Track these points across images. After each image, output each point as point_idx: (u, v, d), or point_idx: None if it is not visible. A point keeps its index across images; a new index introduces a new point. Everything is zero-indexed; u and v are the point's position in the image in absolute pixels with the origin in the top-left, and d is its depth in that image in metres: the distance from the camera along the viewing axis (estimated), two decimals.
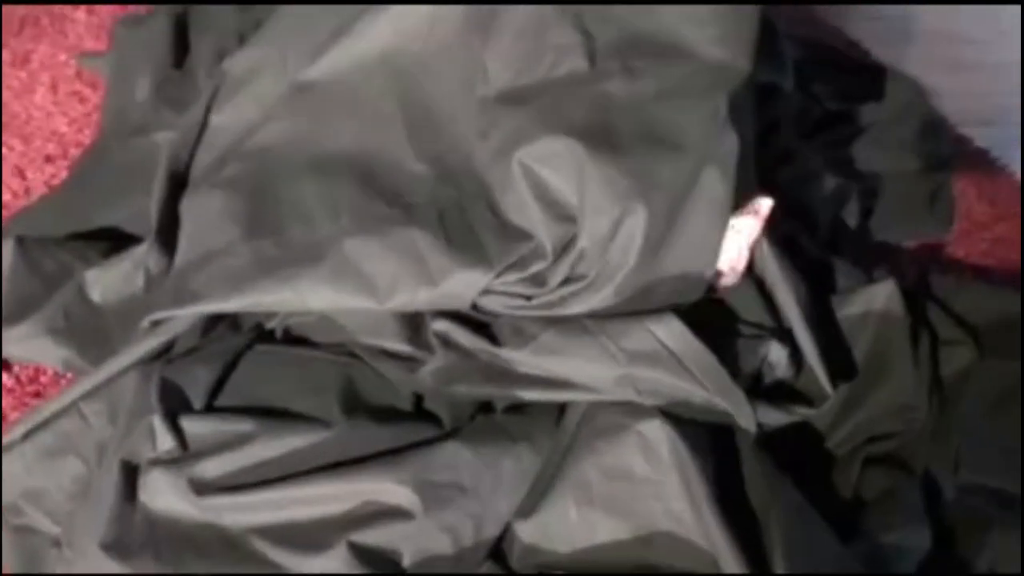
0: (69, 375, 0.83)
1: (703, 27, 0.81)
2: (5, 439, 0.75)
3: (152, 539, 0.67)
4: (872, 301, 0.82)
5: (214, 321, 0.80)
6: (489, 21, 0.86)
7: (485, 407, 0.76)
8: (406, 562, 0.68)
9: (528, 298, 0.75)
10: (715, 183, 0.73)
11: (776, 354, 0.76)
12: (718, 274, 0.77)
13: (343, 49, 0.90)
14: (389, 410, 0.75)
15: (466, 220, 0.79)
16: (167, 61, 1.07)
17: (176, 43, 1.09)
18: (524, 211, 0.76)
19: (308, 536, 0.68)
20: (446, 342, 0.76)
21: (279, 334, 0.80)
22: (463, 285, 0.74)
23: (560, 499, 0.70)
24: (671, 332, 0.73)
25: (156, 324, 0.78)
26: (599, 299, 0.73)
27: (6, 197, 1.00)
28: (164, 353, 0.78)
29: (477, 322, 0.77)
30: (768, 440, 0.75)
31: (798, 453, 0.78)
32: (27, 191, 1.01)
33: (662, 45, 0.81)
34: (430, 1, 0.88)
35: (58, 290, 0.84)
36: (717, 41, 0.81)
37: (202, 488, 0.68)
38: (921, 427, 0.79)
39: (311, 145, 0.88)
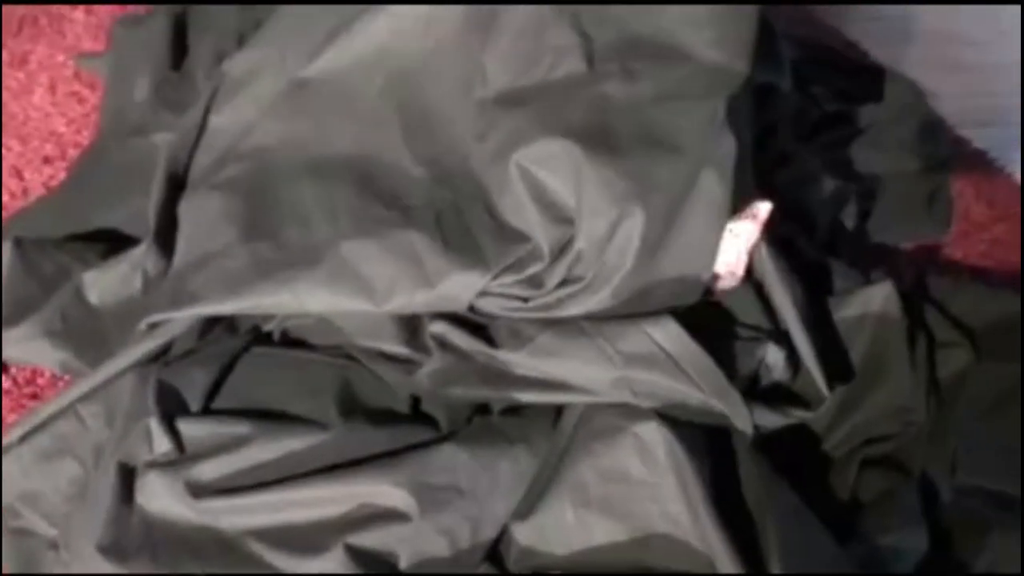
0: (66, 377, 0.83)
1: (701, 29, 0.81)
2: (3, 441, 0.75)
3: (149, 541, 0.68)
4: (869, 303, 0.82)
5: (211, 323, 0.80)
6: (488, 22, 0.85)
7: (482, 409, 0.76)
8: (403, 564, 0.68)
9: (525, 300, 0.75)
10: (713, 186, 0.73)
11: (773, 356, 0.76)
12: (715, 277, 0.77)
13: (341, 48, 0.90)
14: (386, 412, 0.75)
15: (463, 222, 0.79)
16: (166, 62, 1.07)
17: (175, 44, 1.09)
18: (521, 213, 0.76)
19: (305, 538, 0.68)
20: (443, 344, 0.76)
21: (276, 336, 0.80)
22: (460, 287, 0.75)
23: (557, 501, 0.70)
24: (668, 334, 0.73)
25: (153, 326, 0.78)
26: (596, 301, 0.73)
27: (4, 198, 1.00)
28: (161, 355, 0.78)
29: (474, 324, 0.77)
30: (765, 442, 0.75)
31: (795, 455, 0.78)
32: (25, 192, 1.01)
33: (661, 47, 0.81)
34: (429, 1, 0.88)
35: (56, 292, 0.84)
36: (715, 43, 0.81)
37: (199, 491, 0.68)
38: (918, 429, 0.79)
39: (308, 146, 0.88)
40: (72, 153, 1.05)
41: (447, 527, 0.68)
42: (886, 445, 0.79)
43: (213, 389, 0.75)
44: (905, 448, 0.79)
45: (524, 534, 0.70)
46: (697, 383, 0.72)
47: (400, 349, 0.77)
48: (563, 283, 0.74)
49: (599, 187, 0.73)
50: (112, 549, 0.67)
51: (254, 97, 0.92)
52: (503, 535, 0.70)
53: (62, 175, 1.02)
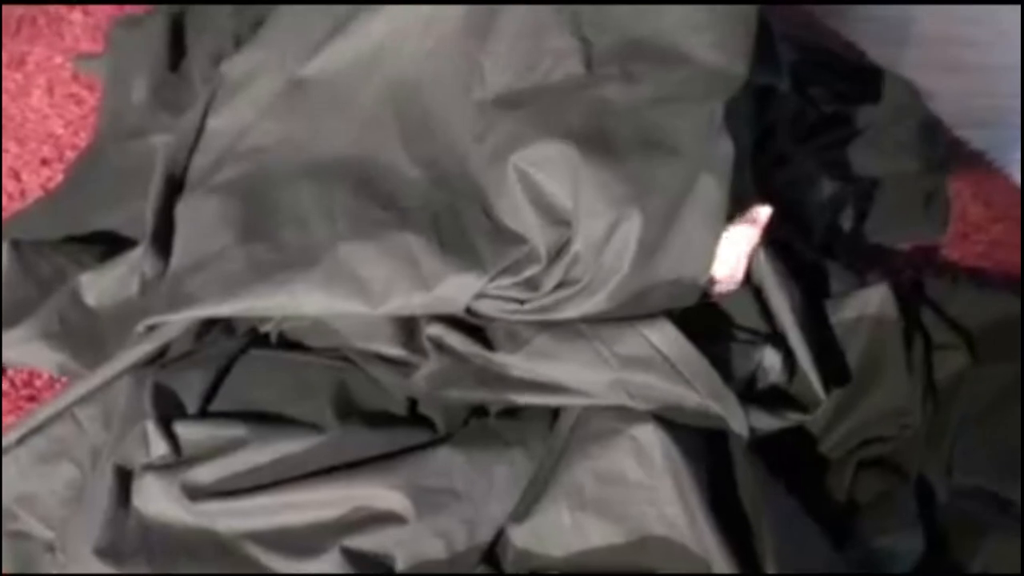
0: (64, 379, 0.83)
1: (700, 32, 0.81)
2: (1, 444, 0.75)
3: (146, 544, 0.68)
4: (866, 305, 0.82)
5: (208, 325, 0.80)
6: (487, 24, 0.85)
7: (479, 411, 0.76)
8: (399, 567, 0.68)
9: (521, 302, 0.75)
10: (711, 189, 0.73)
11: (770, 359, 0.76)
12: (714, 281, 0.77)
13: (338, 48, 0.90)
14: (383, 415, 0.75)
15: (460, 224, 0.79)
16: (164, 63, 1.07)
17: (173, 45, 1.09)
18: (518, 215, 0.76)
19: (301, 541, 0.68)
20: (440, 346, 0.76)
21: (273, 338, 0.80)
22: (457, 289, 0.75)
23: (553, 503, 0.70)
24: (664, 337, 0.73)
25: (151, 328, 0.78)
26: (593, 304, 0.73)
27: (2, 200, 1.00)
28: (158, 357, 0.78)
29: (471, 326, 0.77)
30: (761, 443, 0.75)
31: (792, 457, 0.78)
32: (22, 194, 1.01)
33: (660, 50, 0.81)
34: (427, 1, 0.88)
35: (53, 294, 0.84)
36: (714, 46, 0.81)
37: (195, 493, 0.69)
38: (915, 431, 0.80)
39: (305, 146, 0.88)
40: (70, 155, 1.05)
41: (443, 529, 0.68)
42: (883, 447, 0.79)
43: (210, 391, 0.75)
44: (901, 450, 0.79)
45: (520, 536, 0.70)
46: (693, 386, 0.72)
47: (397, 351, 0.77)
48: (560, 285, 0.74)
49: (596, 190, 0.73)
50: (109, 552, 0.67)
51: (252, 99, 0.92)
52: (500, 537, 0.70)
53: (60, 177, 1.02)
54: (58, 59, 1.17)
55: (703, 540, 0.67)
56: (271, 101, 0.91)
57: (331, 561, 0.67)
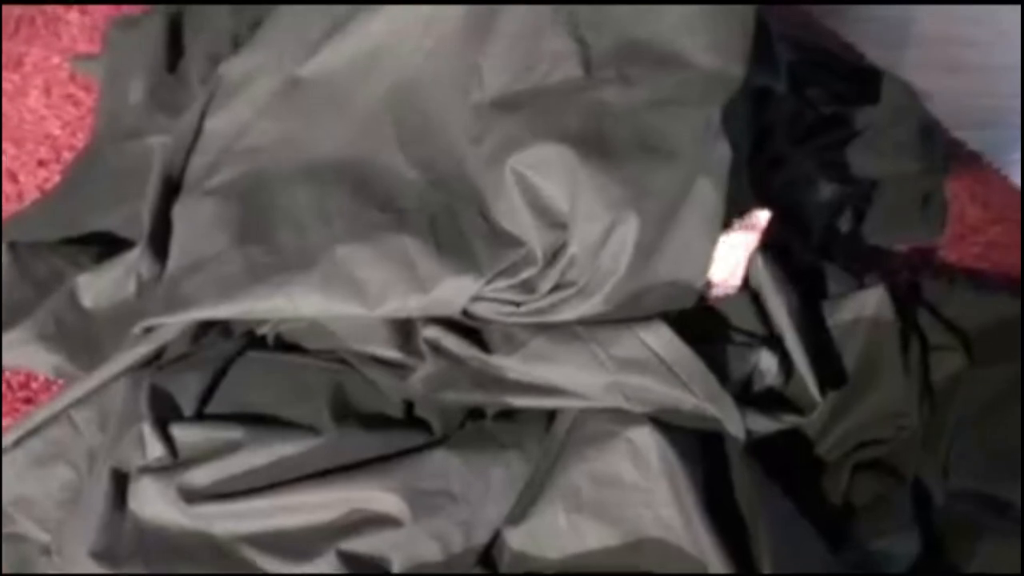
0: (60, 381, 0.83)
1: (697, 34, 0.81)
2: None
3: (142, 547, 0.68)
4: (863, 307, 0.82)
5: (205, 327, 0.80)
6: (485, 25, 0.85)
7: (476, 413, 0.76)
8: (395, 569, 0.68)
9: (518, 304, 0.75)
10: (707, 193, 0.73)
11: (766, 362, 0.76)
12: (712, 285, 0.77)
13: (336, 48, 0.90)
14: (379, 417, 0.75)
15: (457, 225, 0.79)
16: (161, 64, 1.07)
17: (170, 45, 1.08)
18: (515, 217, 0.76)
19: (297, 544, 0.68)
20: (436, 349, 0.76)
21: (270, 340, 0.80)
22: (453, 292, 0.75)
23: (550, 506, 0.70)
24: (660, 339, 0.73)
25: (147, 330, 0.78)
26: (589, 306, 0.73)
27: None
28: (155, 359, 0.78)
29: (468, 328, 0.77)
30: (758, 445, 0.75)
31: (788, 459, 0.78)
32: (19, 195, 1.01)
33: (658, 52, 0.81)
34: (427, 1, 0.88)
35: (49, 296, 0.84)
36: (711, 48, 0.80)
37: (191, 496, 0.69)
38: (911, 433, 0.79)
39: (302, 146, 0.88)
40: (67, 156, 1.05)
41: (439, 532, 0.68)
42: (879, 449, 0.79)
43: (207, 393, 0.75)
44: (898, 452, 0.79)
45: (517, 539, 0.70)
46: (690, 388, 0.72)
47: (393, 353, 0.77)
48: (556, 288, 0.74)
49: (593, 192, 0.73)
50: (105, 554, 0.67)
51: (250, 100, 0.92)
52: (496, 540, 0.71)
53: (57, 178, 1.02)
54: (55, 60, 1.17)
55: (699, 542, 0.67)
56: (268, 101, 0.91)
57: (327, 564, 0.67)
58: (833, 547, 0.72)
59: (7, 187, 1.01)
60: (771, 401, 0.76)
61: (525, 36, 0.84)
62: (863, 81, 1.16)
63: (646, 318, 0.74)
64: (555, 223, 0.75)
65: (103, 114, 1.06)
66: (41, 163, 1.05)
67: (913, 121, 1.11)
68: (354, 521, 0.69)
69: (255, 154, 0.88)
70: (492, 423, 0.75)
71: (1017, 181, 1.15)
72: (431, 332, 0.76)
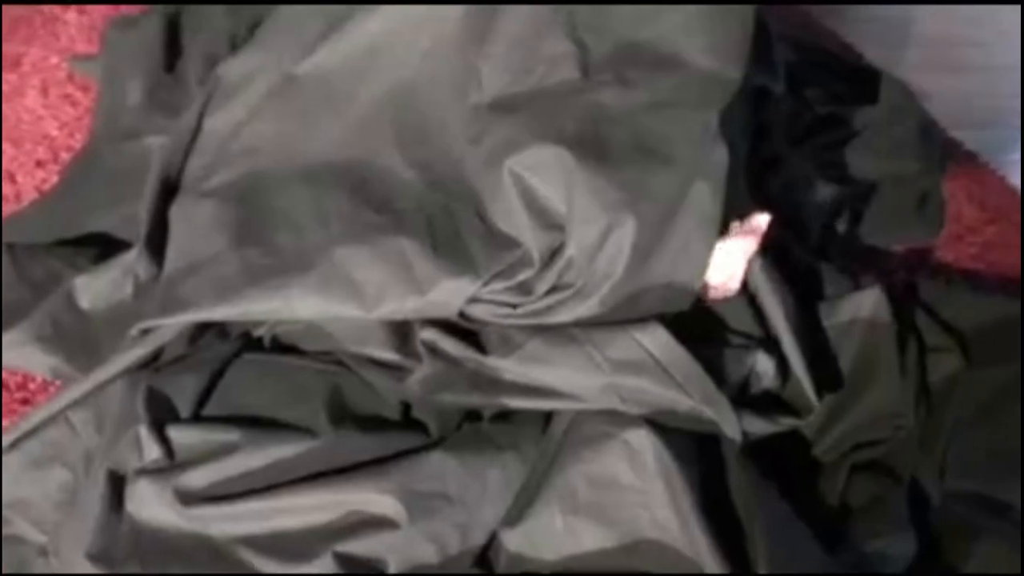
0: (58, 382, 0.83)
1: (695, 35, 0.81)
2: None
3: (138, 549, 0.68)
4: (859, 308, 0.82)
5: (202, 329, 0.80)
6: (484, 27, 0.85)
7: (472, 415, 0.76)
8: (392, 571, 0.68)
9: (514, 306, 0.75)
10: (704, 197, 0.73)
11: (763, 365, 0.76)
12: (707, 287, 0.77)
13: (333, 47, 0.90)
14: (376, 419, 0.75)
15: (454, 227, 0.79)
16: (159, 64, 1.07)
17: (168, 45, 1.08)
18: (512, 219, 0.76)
19: (294, 546, 0.68)
20: (433, 350, 0.76)
21: (267, 342, 0.80)
22: (450, 294, 0.75)
23: (546, 507, 0.70)
24: (656, 341, 0.73)
25: (144, 332, 0.78)
26: (585, 308, 0.73)
27: None
28: (152, 361, 0.78)
29: (464, 330, 0.77)
30: (754, 446, 0.75)
31: (785, 459, 0.78)
32: (17, 196, 1.01)
33: (656, 55, 0.81)
34: (424, 1, 0.88)
35: (47, 297, 0.84)
36: (708, 49, 0.80)
37: (188, 498, 0.69)
38: (908, 434, 0.80)
39: (298, 146, 0.87)
40: (64, 157, 1.05)
41: (436, 534, 0.69)
42: (876, 450, 0.80)
43: (203, 395, 0.75)
44: (895, 453, 0.79)
45: (513, 540, 0.70)
46: (686, 390, 0.72)
47: (390, 355, 0.77)
48: (553, 290, 0.74)
49: (591, 195, 0.73)
50: (101, 556, 0.67)
51: (248, 101, 0.91)
52: (492, 541, 0.71)
53: (54, 179, 1.02)
54: (53, 60, 1.17)
55: (695, 544, 0.67)
56: (265, 101, 0.91)
57: (323, 565, 0.67)
58: (829, 548, 0.72)
59: (5, 188, 1.02)
60: (768, 403, 0.76)
61: (524, 38, 0.84)
62: (861, 81, 1.16)
63: (642, 320, 0.74)
64: (552, 225, 0.75)
65: (101, 114, 1.06)
66: (39, 164, 1.05)
67: (911, 121, 1.11)
68: (351, 523, 0.69)
69: (252, 155, 0.88)
70: (489, 425, 0.75)
71: (1017, 181, 1.15)
72: (428, 334, 0.76)
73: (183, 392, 0.74)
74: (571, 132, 0.76)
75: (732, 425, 0.72)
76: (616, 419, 0.72)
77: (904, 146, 1.08)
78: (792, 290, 0.80)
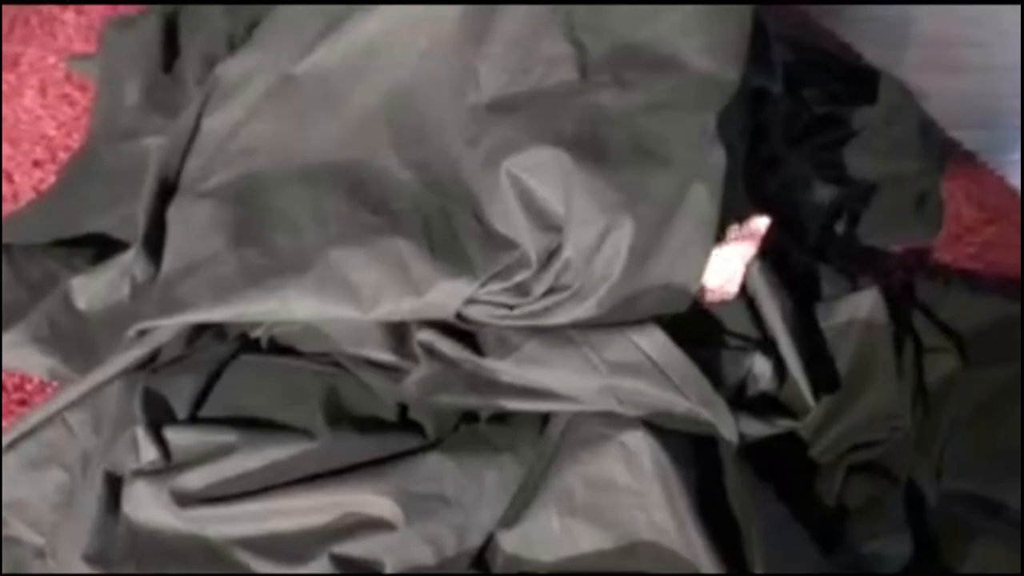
0: (55, 383, 0.83)
1: (693, 36, 0.81)
2: None
3: (135, 550, 0.68)
4: (856, 309, 0.82)
5: (200, 330, 0.80)
6: (482, 27, 0.85)
7: (469, 417, 0.76)
8: (388, 572, 0.68)
9: (511, 307, 0.75)
10: (702, 200, 0.73)
11: (760, 367, 0.76)
12: (704, 290, 0.77)
13: (330, 46, 0.90)
14: (373, 420, 0.75)
15: (451, 228, 0.79)
16: (157, 64, 1.07)
17: (166, 45, 1.08)
18: (510, 220, 0.76)
19: (291, 547, 0.68)
20: (430, 352, 0.76)
21: (264, 343, 0.80)
22: (447, 295, 0.75)
23: (543, 509, 0.70)
24: (653, 343, 0.73)
25: (142, 333, 0.78)
26: (583, 310, 0.73)
27: None
28: (149, 362, 0.78)
29: (462, 332, 0.77)
30: (751, 447, 0.75)
31: (781, 461, 0.78)
32: (15, 196, 1.01)
33: (654, 56, 0.81)
34: (423, 1, 0.88)
35: (44, 298, 0.84)
36: (706, 50, 0.80)
37: (185, 499, 0.69)
38: (904, 435, 0.80)
39: (297, 147, 0.87)
40: (62, 156, 1.05)
41: (433, 535, 0.69)
42: (872, 451, 0.80)
43: (200, 396, 0.75)
44: (891, 454, 0.79)
45: (510, 542, 0.70)
46: (683, 392, 0.72)
47: (387, 356, 0.77)
48: (550, 291, 0.74)
49: (588, 196, 0.73)
50: (98, 558, 0.68)
51: (247, 101, 0.91)
52: (489, 543, 0.71)
53: (52, 179, 1.02)
54: (51, 59, 1.17)
55: (692, 545, 0.67)
56: (262, 100, 0.91)
57: (320, 567, 0.67)
58: (826, 549, 0.72)
59: (3, 188, 1.01)
60: (765, 405, 0.76)
61: (521, 38, 0.84)
62: (860, 81, 1.16)
63: (639, 322, 0.74)
64: (549, 226, 0.75)
65: (99, 114, 1.06)
66: (36, 163, 1.05)
67: (910, 121, 1.11)
68: (347, 525, 0.69)
69: (250, 155, 0.88)
70: (486, 426, 0.75)
71: (1017, 181, 1.15)
72: (425, 335, 0.76)
73: (180, 393, 0.74)
74: (569, 133, 0.76)
75: (729, 427, 0.72)
76: (613, 421, 0.72)
77: (903, 146, 1.08)
78: (790, 292, 0.80)
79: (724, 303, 0.79)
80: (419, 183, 0.83)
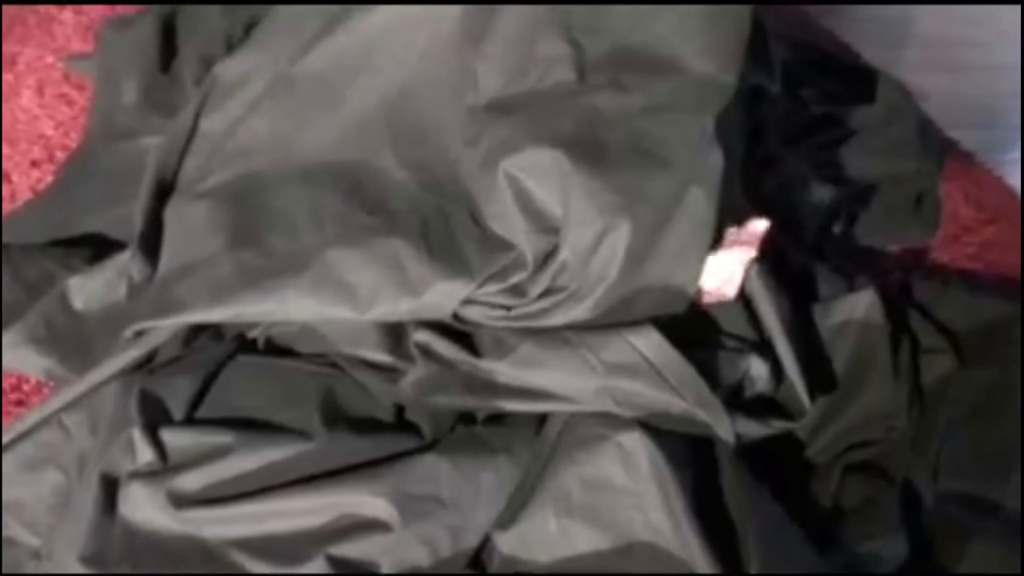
0: (51, 384, 0.83)
1: (691, 38, 0.81)
2: None
3: (131, 552, 0.68)
4: (853, 310, 0.82)
5: (197, 331, 0.80)
6: (481, 28, 0.85)
7: (466, 418, 0.76)
8: (384, 573, 0.68)
9: (508, 308, 0.75)
10: (699, 203, 0.73)
11: (757, 368, 0.76)
12: (701, 292, 0.77)
13: (329, 46, 0.90)
14: (370, 421, 0.75)
15: (448, 228, 0.79)
16: (154, 64, 1.07)
17: (164, 46, 1.08)
18: (507, 221, 0.76)
19: (287, 548, 0.68)
20: (427, 353, 0.76)
21: (261, 344, 0.80)
22: (444, 296, 0.75)
23: (540, 510, 0.70)
24: (650, 344, 0.73)
25: (138, 334, 0.78)
26: (579, 311, 0.73)
27: None
28: (146, 363, 0.78)
29: (458, 332, 0.77)
30: (748, 447, 0.75)
31: (778, 461, 0.78)
32: (12, 196, 1.01)
33: (652, 58, 0.81)
34: (421, 2, 0.88)
35: (40, 298, 0.84)
36: (704, 52, 0.80)
37: (181, 501, 0.69)
38: (901, 435, 0.80)
39: (294, 147, 0.87)
40: (60, 156, 1.05)
41: (429, 536, 0.69)
42: (869, 451, 0.80)
43: (197, 398, 0.75)
44: (888, 454, 0.79)
45: (507, 543, 0.70)
46: (679, 393, 0.72)
47: (384, 357, 0.77)
48: (546, 292, 0.74)
49: (586, 198, 0.73)
50: (95, 559, 0.67)
51: (245, 101, 0.91)
52: (486, 544, 0.71)
53: (50, 178, 1.02)
54: (49, 59, 1.17)
55: (688, 546, 0.67)
56: (261, 100, 0.91)
57: (316, 568, 0.67)
58: (822, 549, 0.72)
59: (1, 187, 1.01)
60: (761, 406, 0.76)
61: (520, 39, 0.84)
62: (858, 81, 1.16)
63: (636, 323, 0.74)
64: (547, 228, 0.75)
65: (96, 114, 1.06)
66: (34, 163, 1.05)
67: (908, 121, 1.11)
68: (344, 526, 0.69)
69: (248, 155, 0.88)
70: (482, 427, 0.75)
71: (1016, 181, 1.15)
72: (422, 336, 0.76)
73: (177, 394, 0.74)
74: (567, 135, 0.76)
75: (725, 428, 0.72)
76: (610, 421, 0.72)
77: (901, 146, 1.08)
78: (787, 293, 0.80)
79: (721, 306, 0.79)
80: (417, 183, 0.83)
